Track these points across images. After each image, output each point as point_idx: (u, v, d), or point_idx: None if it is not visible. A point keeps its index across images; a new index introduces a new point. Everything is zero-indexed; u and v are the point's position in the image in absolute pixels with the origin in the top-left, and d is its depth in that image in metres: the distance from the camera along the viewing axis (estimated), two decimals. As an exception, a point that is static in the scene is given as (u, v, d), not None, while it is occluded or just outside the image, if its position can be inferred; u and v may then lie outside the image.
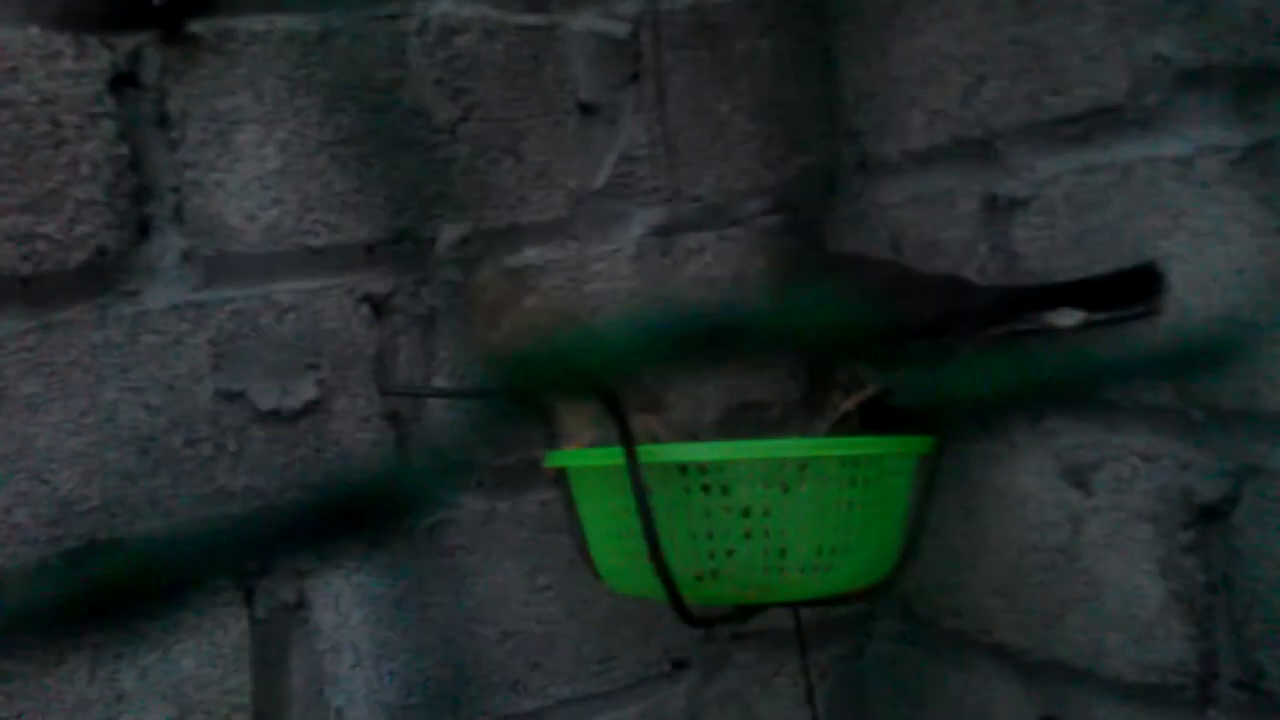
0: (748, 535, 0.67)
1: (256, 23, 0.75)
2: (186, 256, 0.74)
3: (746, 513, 0.67)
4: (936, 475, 0.70)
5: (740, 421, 0.92)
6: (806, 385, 0.94)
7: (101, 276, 0.71)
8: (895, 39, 0.86)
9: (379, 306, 0.79)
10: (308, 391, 0.76)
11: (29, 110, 0.69)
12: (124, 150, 0.72)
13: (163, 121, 0.73)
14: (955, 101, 0.81)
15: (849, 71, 0.90)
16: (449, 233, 0.74)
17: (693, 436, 0.89)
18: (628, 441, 0.65)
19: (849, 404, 0.84)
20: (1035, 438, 0.79)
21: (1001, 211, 0.80)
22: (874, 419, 0.91)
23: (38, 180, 0.69)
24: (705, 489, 0.67)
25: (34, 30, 0.69)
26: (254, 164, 0.75)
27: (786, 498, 0.67)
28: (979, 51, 0.80)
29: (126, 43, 0.72)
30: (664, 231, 0.88)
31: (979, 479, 0.82)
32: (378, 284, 0.79)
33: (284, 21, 0.76)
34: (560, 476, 0.76)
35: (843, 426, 0.94)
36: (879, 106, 0.88)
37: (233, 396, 0.74)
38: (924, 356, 0.71)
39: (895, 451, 0.70)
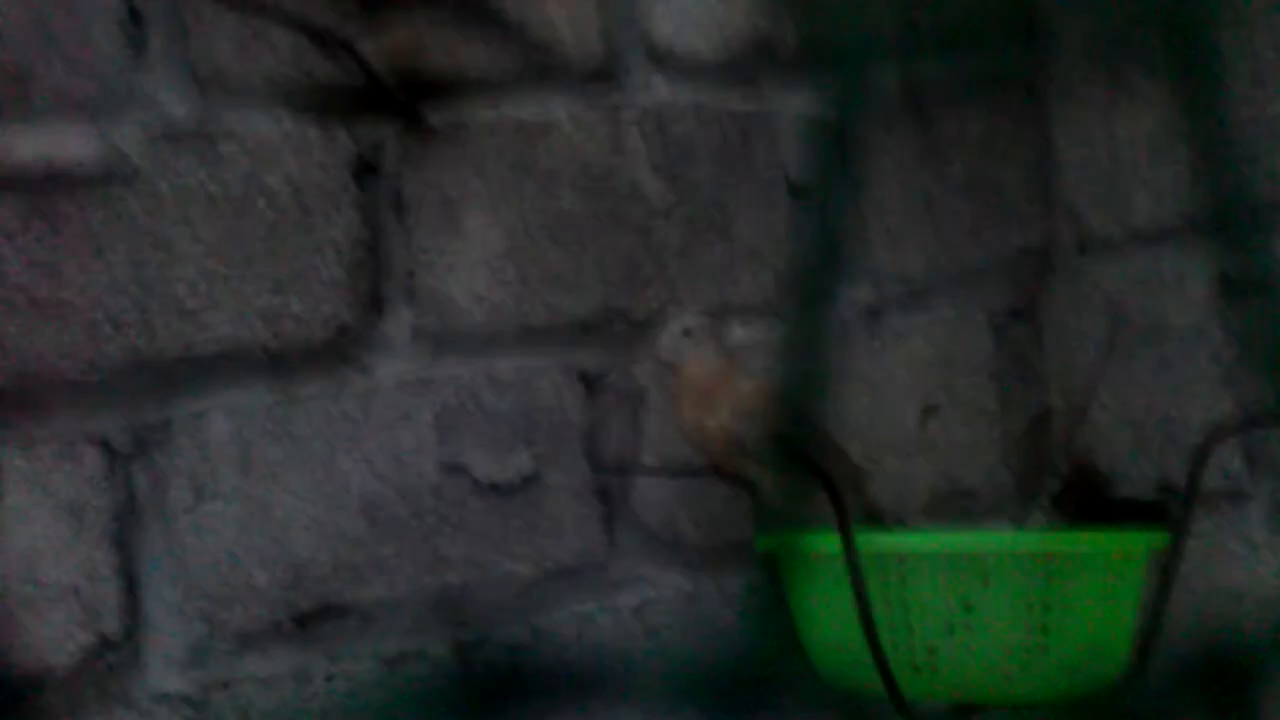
0: (949, 630, 0.65)
1: (487, 114, 0.79)
2: (416, 334, 0.77)
3: (947, 607, 0.65)
4: (1173, 573, 0.66)
5: (948, 508, 0.89)
6: (1019, 472, 0.90)
7: (339, 351, 0.75)
8: (1119, 115, 0.83)
9: (592, 383, 0.81)
10: (523, 465, 0.79)
11: (283, 199, 0.74)
12: (365, 234, 0.76)
13: (398, 205, 0.77)
14: (1187, 179, 0.78)
15: (1067, 149, 0.88)
16: (674, 325, 0.75)
17: (899, 521, 0.87)
18: (844, 527, 0.64)
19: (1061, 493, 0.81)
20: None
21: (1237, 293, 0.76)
22: (1095, 509, 0.87)
23: (288, 262, 0.74)
24: (902, 580, 0.66)
25: (287, 123, 0.74)
26: (480, 246, 0.78)
27: (986, 593, 0.65)
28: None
29: (370, 135, 0.76)
30: (872, 313, 0.87)
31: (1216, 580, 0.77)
32: (591, 361, 0.81)
33: (512, 111, 0.79)
34: (770, 558, 0.76)
35: (1057, 515, 0.90)
36: (1100, 184, 0.85)
37: (454, 469, 0.77)
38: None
39: (1095, 549, 0.67)
